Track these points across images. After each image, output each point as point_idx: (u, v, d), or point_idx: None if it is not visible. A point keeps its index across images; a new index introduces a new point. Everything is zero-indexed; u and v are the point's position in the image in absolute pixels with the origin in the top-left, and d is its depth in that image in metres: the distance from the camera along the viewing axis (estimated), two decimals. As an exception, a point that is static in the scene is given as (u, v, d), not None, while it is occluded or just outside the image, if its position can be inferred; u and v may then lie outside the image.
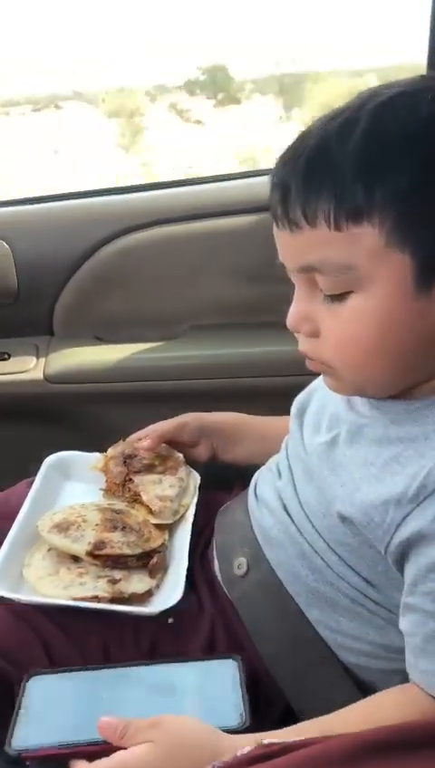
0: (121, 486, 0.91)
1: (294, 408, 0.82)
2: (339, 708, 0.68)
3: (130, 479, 0.91)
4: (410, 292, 0.59)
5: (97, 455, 0.96)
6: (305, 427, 0.77)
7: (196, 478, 0.94)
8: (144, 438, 0.93)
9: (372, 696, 0.65)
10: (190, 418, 0.95)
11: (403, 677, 0.67)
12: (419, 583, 0.61)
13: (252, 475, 0.86)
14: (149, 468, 0.92)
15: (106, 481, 0.93)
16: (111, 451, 0.95)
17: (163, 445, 0.95)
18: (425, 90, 0.58)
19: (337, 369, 0.65)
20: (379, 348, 0.61)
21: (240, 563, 0.78)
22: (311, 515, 0.72)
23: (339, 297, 0.61)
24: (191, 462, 0.96)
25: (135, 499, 0.89)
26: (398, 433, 0.65)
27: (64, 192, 1.30)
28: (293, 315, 0.65)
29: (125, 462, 0.92)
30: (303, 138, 0.60)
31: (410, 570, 0.62)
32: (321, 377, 0.80)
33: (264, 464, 0.86)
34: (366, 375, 0.65)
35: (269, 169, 1.30)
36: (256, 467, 0.87)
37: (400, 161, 0.56)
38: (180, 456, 0.95)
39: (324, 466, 0.71)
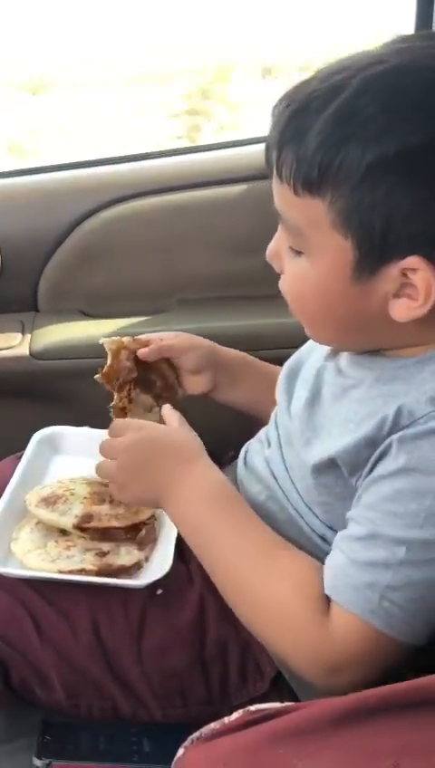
0: (120, 385, 0.84)
1: (282, 376, 0.81)
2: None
3: (133, 382, 0.84)
4: (347, 276, 0.60)
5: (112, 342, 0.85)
6: (297, 390, 0.77)
7: None
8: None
9: (290, 550, 0.68)
10: (204, 343, 0.88)
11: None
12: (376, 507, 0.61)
13: (241, 447, 0.86)
14: (148, 384, 0.86)
15: (108, 366, 0.85)
16: (126, 340, 0.85)
17: (167, 364, 0.87)
18: (417, 69, 0.57)
19: (298, 318, 0.69)
20: (319, 311, 0.65)
21: None
22: (295, 480, 0.72)
23: (296, 252, 0.63)
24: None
25: (122, 407, 0.84)
26: (381, 391, 0.64)
27: (46, 164, 1.28)
28: (269, 249, 0.67)
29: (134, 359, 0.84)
30: (300, 86, 0.60)
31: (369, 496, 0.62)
32: (309, 343, 0.80)
33: (260, 412, 0.86)
34: (316, 331, 0.69)
35: (257, 138, 1.29)
36: (247, 429, 0.86)
37: (363, 147, 0.55)
38: (179, 391, 0.88)
39: (306, 428, 0.71)
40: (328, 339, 0.70)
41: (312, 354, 0.78)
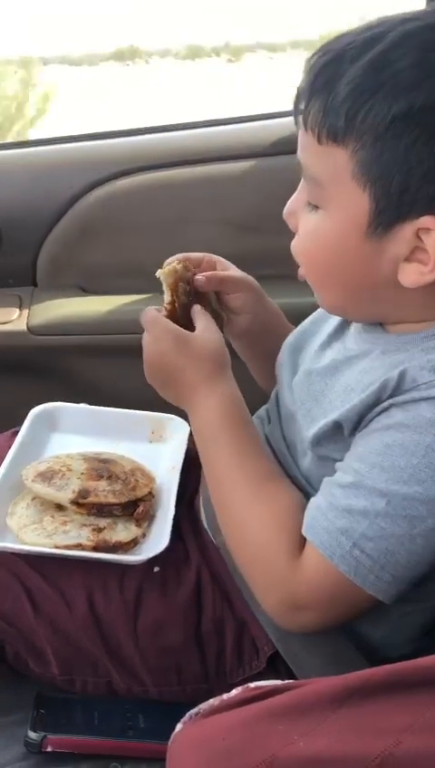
0: (184, 312, 0.75)
1: (285, 351, 0.80)
2: (325, 655, 0.68)
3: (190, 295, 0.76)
4: (362, 231, 0.60)
5: (151, 309, 0.75)
6: (301, 364, 0.76)
7: (184, 427, 0.93)
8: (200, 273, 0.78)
9: (278, 484, 0.68)
10: (253, 285, 0.82)
11: (386, 627, 0.69)
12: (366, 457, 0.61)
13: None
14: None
15: (168, 303, 0.74)
16: (180, 269, 0.75)
17: (215, 295, 0.80)
18: None
19: (308, 279, 0.68)
20: (331, 269, 0.64)
21: None
22: (296, 456, 0.72)
23: (313, 207, 0.63)
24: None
25: (171, 309, 0.74)
26: (384, 362, 0.64)
27: (47, 137, 1.25)
28: (287, 207, 0.67)
29: (186, 290, 0.75)
30: (337, 38, 0.60)
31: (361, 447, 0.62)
32: (312, 318, 0.79)
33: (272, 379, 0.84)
34: (326, 291, 0.68)
35: (262, 114, 1.27)
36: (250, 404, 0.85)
37: (391, 98, 0.55)
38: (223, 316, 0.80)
39: (307, 398, 0.71)
40: (335, 302, 0.69)
41: (316, 331, 0.77)
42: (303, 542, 0.63)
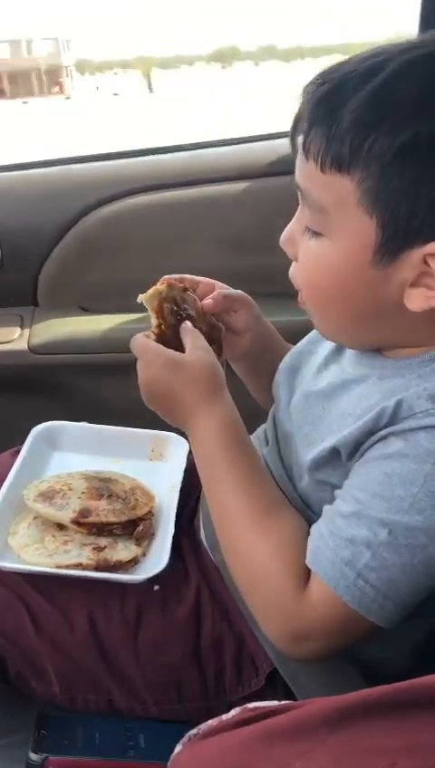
0: (174, 332, 0.74)
1: (282, 372, 0.80)
2: (322, 672, 0.69)
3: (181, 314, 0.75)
4: (368, 259, 0.59)
5: (139, 336, 0.74)
6: (298, 386, 0.76)
7: (184, 445, 0.93)
8: (207, 296, 0.78)
9: (280, 511, 0.68)
10: (253, 304, 0.83)
11: (382, 644, 0.68)
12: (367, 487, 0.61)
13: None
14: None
15: (155, 327, 0.73)
16: (160, 288, 0.75)
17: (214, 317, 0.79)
18: None
19: (308, 305, 0.67)
20: (335, 296, 0.63)
21: None
22: (294, 479, 0.72)
23: (315, 234, 0.62)
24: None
25: (159, 332, 0.73)
26: (381, 387, 0.64)
27: (47, 159, 1.27)
28: (284, 234, 0.67)
29: (173, 310, 0.75)
30: (336, 67, 0.59)
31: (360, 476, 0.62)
32: (308, 339, 0.80)
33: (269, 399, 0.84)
34: (327, 318, 0.67)
35: (260, 135, 1.28)
36: (248, 424, 0.85)
37: (397, 126, 0.55)
38: (220, 338, 0.79)
39: (305, 422, 0.71)
40: (336, 330, 0.68)
41: (313, 352, 0.78)
42: (307, 572, 0.62)
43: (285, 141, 1.17)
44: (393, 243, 0.58)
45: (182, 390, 0.70)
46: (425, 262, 0.58)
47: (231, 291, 0.81)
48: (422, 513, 0.58)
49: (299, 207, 0.65)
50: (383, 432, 0.61)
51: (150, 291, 0.74)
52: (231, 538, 0.68)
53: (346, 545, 0.60)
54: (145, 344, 0.72)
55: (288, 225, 0.66)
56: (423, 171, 0.55)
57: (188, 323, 0.74)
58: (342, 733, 0.45)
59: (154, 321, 0.73)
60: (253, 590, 0.66)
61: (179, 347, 0.73)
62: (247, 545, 0.66)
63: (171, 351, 0.71)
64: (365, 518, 0.60)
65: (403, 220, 0.57)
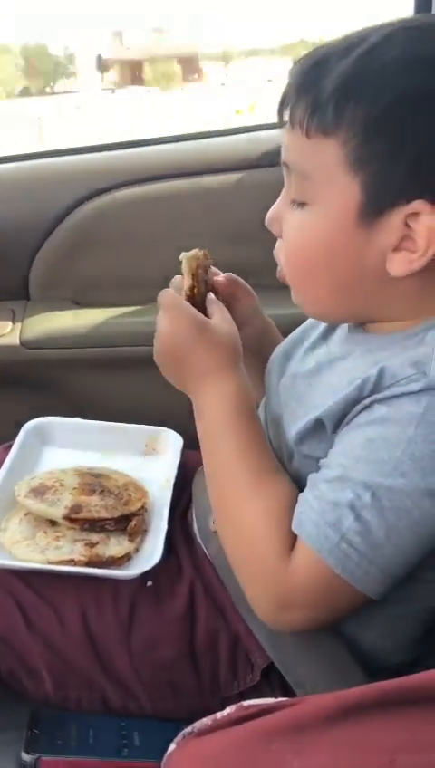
0: (202, 299, 0.74)
1: (275, 359, 0.80)
2: (320, 663, 0.68)
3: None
4: (352, 221, 0.60)
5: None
6: (289, 369, 0.76)
7: (178, 440, 0.92)
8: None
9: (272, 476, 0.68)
10: (255, 296, 0.84)
11: (379, 630, 0.69)
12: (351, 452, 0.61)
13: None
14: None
15: (188, 287, 0.74)
16: (199, 254, 0.75)
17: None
18: None
19: (289, 278, 0.68)
20: (319, 266, 0.64)
21: (215, 518, 0.77)
22: (282, 460, 0.72)
23: (300, 205, 0.63)
24: None
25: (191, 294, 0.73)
26: (366, 360, 0.65)
27: (37, 151, 1.26)
28: (269, 213, 0.67)
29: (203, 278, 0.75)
30: (320, 47, 0.61)
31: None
32: (299, 329, 0.80)
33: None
34: (308, 289, 0.67)
35: (251, 126, 1.27)
36: None
37: (379, 89, 0.57)
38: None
39: (291, 399, 0.71)
40: (318, 300, 0.68)
41: (305, 338, 0.78)
42: (293, 538, 0.63)
43: (276, 132, 1.17)
44: (376, 203, 0.59)
45: (200, 353, 0.70)
46: (406, 224, 0.59)
47: (241, 280, 0.82)
48: (405, 476, 0.58)
49: (284, 187, 0.66)
50: (367, 400, 0.61)
51: (192, 252, 0.75)
52: (222, 503, 0.68)
53: (331, 509, 0.60)
54: (174, 298, 0.72)
55: (273, 206, 0.67)
56: (405, 131, 0.57)
57: (213, 296, 0.75)
58: (339, 730, 0.45)
59: (188, 283, 0.74)
60: (239, 555, 0.66)
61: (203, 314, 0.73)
62: (237, 509, 0.66)
63: (199, 313, 0.71)
64: (349, 481, 0.60)
65: (386, 180, 0.58)
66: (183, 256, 0.74)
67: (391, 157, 0.57)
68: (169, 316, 0.71)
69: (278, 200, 0.67)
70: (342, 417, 0.63)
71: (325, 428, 0.65)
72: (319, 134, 0.59)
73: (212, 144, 1.21)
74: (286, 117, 0.62)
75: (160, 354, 0.73)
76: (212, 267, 0.78)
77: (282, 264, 0.68)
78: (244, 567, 0.66)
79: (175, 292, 0.74)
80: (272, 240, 0.69)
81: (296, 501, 0.65)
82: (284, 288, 0.71)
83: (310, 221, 0.63)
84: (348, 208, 0.60)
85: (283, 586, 0.62)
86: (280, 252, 0.68)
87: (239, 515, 0.66)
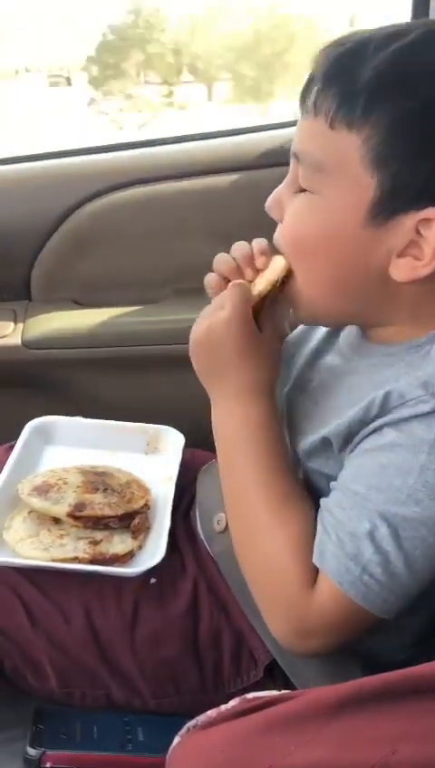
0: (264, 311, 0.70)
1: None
2: (323, 662, 0.69)
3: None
4: (361, 217, 0.59)
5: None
6: (292, 377, 0.76)
7: (180, 438, 0.93)
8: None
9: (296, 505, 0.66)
10: None
11: (383, 633, 0.67)
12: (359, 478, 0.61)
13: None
14: None
15: (266, 292, 0.68)
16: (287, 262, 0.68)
17: None
18: None
19: (290, 262, 0.65)
20: (319, 254, 0.63)
21: (220, 519, 0.77)
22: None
23: (305, 192, 0.62)
24: None
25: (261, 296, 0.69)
26: (371, 377, 0.64)
27: (39, 152, 1.26)
28: (270, 198, 0.66)
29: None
30: (355, 33, 0.60)
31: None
32: (299, 332, 0.79)
33: None
34: (307, 280, 0.65)
35: (250, 127, 1.27)
36: None
37: (412, 91, 0.56)
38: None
39: (297, 415, 0.71)
40: (314, 296, 0.65)
41: (306, 340, 0.78)
42: (315, 568, 0.62)
43: (278, 132, 1.18)
44: (389, 204, 0.58)
45: (242, 367, 0.67)
46: (417, 230, 0.58)
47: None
48: (420, 504, 0.58)
49: (289, 174, 0.64)
50: (377, 423, 0.60)
51: (282, 264, 0.67)
52: (244, 525, 0.67)
53: (349, 539, 0.59)
54: (247, 301, 0.67)
55: (275, 190, 0.66)
56: (430, 136, 0.56)
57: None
58: (341, 722, 0.45)
59: (265, 290, 0.67)
60: (261, 582, 0.66)
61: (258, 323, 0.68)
62: (260, 536, 0.65)
63: (255, 326, 0.67)
64: (365, 511, 0.59)
65: (404, 182, 0.57)
66: (277, 260, 0.67)
67: (414, 160, 0.56)
68: (228, 313, 0.66)
69: (281, 186, 0.65)
70: (348, 437, 0.63)
71: (332, 447, 0.65)
72: (343, 126, 0.58)
73: (211, 145, 1.22)
74: (309, 103, 0.60)
75: (202, 345, 0.69)
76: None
77: (281, 247, 0.66)
78: (265, 594, 0.65)
79: (223, 280, 0.70)
80: (271, 240, 0.68)
81: (313, 527, 0.64)
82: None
83: (315, 208, 0.61)
84: (359, 205, 0.59)
85: (305, 616, 0.62)
86: (280, 235, 0.66)
87: (262, 542, 0.65)
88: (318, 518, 0.64)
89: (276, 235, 0.67)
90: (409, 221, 0.58)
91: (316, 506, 0.66)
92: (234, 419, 0.68)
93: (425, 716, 0.44)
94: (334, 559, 0.60)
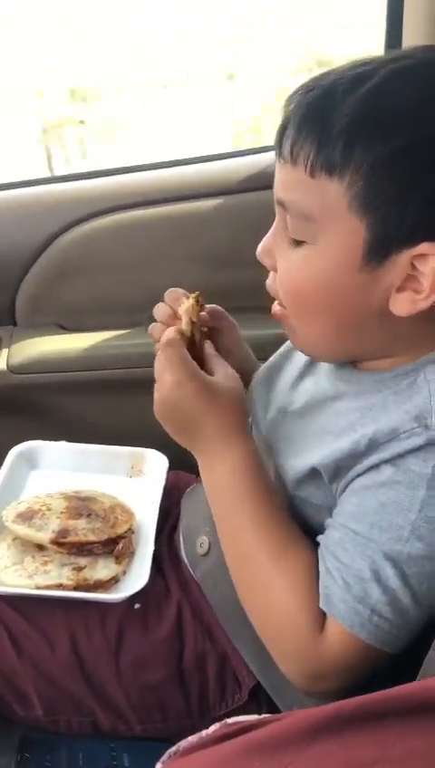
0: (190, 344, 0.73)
1: (257, 386, 0.80)
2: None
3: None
4: (356, 263, 0.59)
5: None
6: (273, 401, 0.76)
7: (164, 461, 0.94)
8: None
9: (294, 546, 0.65)
10: (237, 326, 0.82)
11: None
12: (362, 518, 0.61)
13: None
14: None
15: (189, 331, 0.72)
16: (193, 301, 0.74)
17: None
18: None
19: (287, 316, 0.66)
20: (319, 305, 0.62)
21: (202, 542, 0.78)
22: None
23: (297, 243, 0.61)
24: None
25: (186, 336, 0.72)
26: (359, 404, 0.64)
27: (21, 180, 1.27)
28: (260, 246, 0.65)
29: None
30: (323, 76, 0.59)
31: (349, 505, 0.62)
32: (280, 354, 0.80)
33: None
34: (308, 328, 0.65)
35: (232, 152, 1.29)
36: None
37: (390, 132, 0.55)
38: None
39: (281, 438, 0.71)
40: (316, 341, 0.66)
41: (286, 365, 0.78)
42: (322, 613, 0.61)
43: (257, 157, 1.21)
44: (382, 246, 0.57)
45: (209, 419, 0.67)
46: (412, 264, 0.58)
47: (224, 312, 0.81)
48: (423, 540, 0.58)
49: (276, 220, 0.64)
50: (373, 459, 0.60)
51: (189, 303, 0.72)
52: (247, 575, 0.66)
53: (355, 582, 0.59)
54: (184, 359, 0.68)
55: (264, 238, 0.65)
56: (415, 175, 0.55)
57: (212, 348, 0.73)
58: (320, 745, 0.45)
59: (187, 334, 0.71)
60: (269, 629, 0.65)
61: (194, 358, 0.70)
62: (264, 584, 0.64)
63: (206, 376, 0.69)
64: (368, 551, 0.59)
65: (393, 223, 0.56)
66: (182, 309, 0.72)
67: (400, 200, 0.56)
68: (174, 378, 0.67)
69: (270, 233, 0.65)
70: (338, 469, 0.63)
71: (322, 477, 0.65)
72: (324, 174, 0.57)
73: (191, 171, 1.23)
74: (285, 151, 0.59)
75: (165, 414, 0.69)
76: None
77: (280, 299, 0.66)
78: (275, 642, 0.65)
79: (165, 327, 0.72)
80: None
81: (316, 571, 0.63)
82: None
83: (310, 260, 0.61)
84: (353, 250, 0.58)
85: (317, 660, 0.61)
86: (276, 287, 0.65)
87: (267, 592, 0.64)
88: (320, 560, 0.63)
89: (270, 284, 0.66)
90: (404, 257, 0.57)
91: (307, 535, 0.66)
92: (219, 471, 0.68)
93: (402, 740, 0.45)
94: (342, 603, 0.60)
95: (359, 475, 0.61)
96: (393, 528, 0.59)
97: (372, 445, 0.60)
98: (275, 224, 0.64)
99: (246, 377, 0.83)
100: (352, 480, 0.62)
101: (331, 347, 0.66)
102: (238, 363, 0.81)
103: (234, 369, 0.77)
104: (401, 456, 0.59)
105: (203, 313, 0.76)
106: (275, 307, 0.68)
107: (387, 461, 0.60)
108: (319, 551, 0.64)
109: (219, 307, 0.79)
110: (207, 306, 0.77)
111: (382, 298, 0.60)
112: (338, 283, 0.60)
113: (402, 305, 0.59)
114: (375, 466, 0.60)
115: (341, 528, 0.62)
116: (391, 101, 0.55)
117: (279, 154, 0.61)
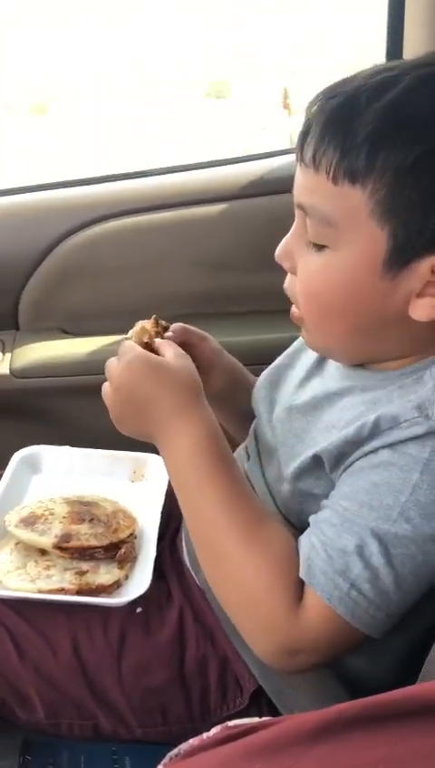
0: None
1: (262, 387, 0.80)
2: (308, 688, 0.69)
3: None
4: (377, 269, 0.59)
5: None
6: (280, 400, 0.76)
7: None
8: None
9: (269, 523, 0.66)
10: (212, 338, 0.83)
11: (368, 656, 0.69)
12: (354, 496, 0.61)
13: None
14: None
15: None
16: (146, 325, 0.76)
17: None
18: None
19: (304, 319, 0.66)
20: (337, 310, 0.63)
21: None
22: (274, 493, 0.73)
23: (318, 247, 0.62)
24: None
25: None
26: (364, 399, 0.65)
27: (25, 185, 1.28)
28: (280, 248, 0.66)
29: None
30: (346, 81, 0.59)
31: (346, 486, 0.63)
32: (287, 354, 0.81)
33: (242, 429, 0.84)
34: (325, 331, 0.66)
35: (233, 159, 1.30)
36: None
37: (413, 139, 0.55)
38: None
39: (290, 434, 0.71)
40: (333, 343, 0.67)
41: (292, 365, 0.78)
42: (299, 585, 0.61)
43: (260, 163, 1.21)
44: (403, 253, 0.58)
45: (161, 396, 0.67)
46: (432, 271, 0.58)
47: (191, 328, 0.80)
48: (410, 522, 0.58)
49: (296, 222, 0.64)
50: (372, 445, 0.61)
51: (138, 327, 0.74)
52: (215, 558, 0.66)
53: (338, 555, 0.60)
54: (131, 345, 0.71)
55: (283, 240, 0.65)
56: None
57: (164, 340, 0.73)
58: (321, 747, 0.46)
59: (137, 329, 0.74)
60: (244, 609, 0.64)
61: None
62: (234, 564, 0.63)
63: (151, 354, 0.70)
64: (355, 527, 0.60)
65: (415, 231, 0.57)
66: (132, 332, 0.74)
67: (423, 207, 0.56)
68: (123, 360, 0.69)
69: (289, 236, 0.65)
70: (339, 457, 0.63)
71: (323, 466, 0.65)
72: (346, 181, 0.57)
73: (193, 177, 1.24)
74: (307, 157, 0.60)
75: (117, 403, 0.70)
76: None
77: (298, 303, 0.66)
78: (248, 616, 0.64)
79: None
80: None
81: (293, 545, 0.63)
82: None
83: (331, 265, 0.61)
84: (374, 257, 0.59)
85: (292, 634, 0.61)
86: (294, 291, 0.66)
87: (239, 570, 0.63)
88: (306, 534, 0.64)
89: (288, 286, 0.67)
90: (424, 264, 0.58)
91: (299, 531, 0.66)
92: (180, 445, 0.67)
93: (403, 741, 0.45)
94: (323, 575, 0.60)
95: (357, 460, 0.62)
96: (383, 508, 0.59)
97: (375, 431, 0.61)
98: (294, 226, 0.65)
99: (238, 387, 0.84)
100: (351, 464, 0.63)
101: (347, 349, 0.67)
102: (225, 372, 0.82)
103: (221, 378, 0.80)
104: (401, 442, 0.60)
105: (169, 333, 0.76)
106: (295, 309, 0.68)
107: (386, 446, 0.60)
108: (309, 527, 0.64)
109: (182, 324, 0.79)
110: (172, 326, 0.77)
111: (401, 303, 0.60)
112: (357, 288, 0.61)
113: (423, 311, 0.60)
114: (374, 451, 0.61)
115: (331, 506, 0.63)
116: (414, 109, 0.56)
117: (300, 158, 0.61)
